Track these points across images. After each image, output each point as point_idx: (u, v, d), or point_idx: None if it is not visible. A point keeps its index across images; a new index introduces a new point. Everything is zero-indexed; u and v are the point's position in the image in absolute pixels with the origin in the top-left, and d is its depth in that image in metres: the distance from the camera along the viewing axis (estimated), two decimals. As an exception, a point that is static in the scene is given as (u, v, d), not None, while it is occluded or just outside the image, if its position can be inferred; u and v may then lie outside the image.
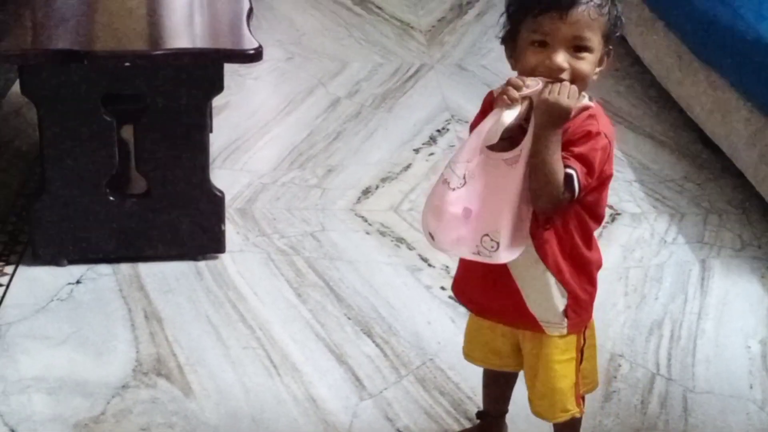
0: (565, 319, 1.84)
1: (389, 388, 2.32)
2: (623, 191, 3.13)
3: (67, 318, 2.50)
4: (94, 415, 2.20)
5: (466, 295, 1.96)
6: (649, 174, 3.25)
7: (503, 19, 1.77)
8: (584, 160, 1.71)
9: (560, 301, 1.83)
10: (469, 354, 2.06)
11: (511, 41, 1.76)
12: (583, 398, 1.94)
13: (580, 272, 1.84)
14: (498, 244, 1.71)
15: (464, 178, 1.71)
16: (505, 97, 1.67)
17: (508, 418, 2.15)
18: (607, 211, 2.97)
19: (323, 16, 4.41)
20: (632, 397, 2.32)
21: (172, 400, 2.25)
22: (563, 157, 1.70)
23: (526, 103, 1.68)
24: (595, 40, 1.70)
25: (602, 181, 1.78)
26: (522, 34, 1.72)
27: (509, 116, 1.68)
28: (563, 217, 1.78)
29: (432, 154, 3.34)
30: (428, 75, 3.91)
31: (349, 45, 4.15)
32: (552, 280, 1.81)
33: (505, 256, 1.73)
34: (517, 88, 1.67)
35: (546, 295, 1.82)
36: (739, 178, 3.09)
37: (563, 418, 1.94)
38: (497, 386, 2.10)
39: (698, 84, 3.28)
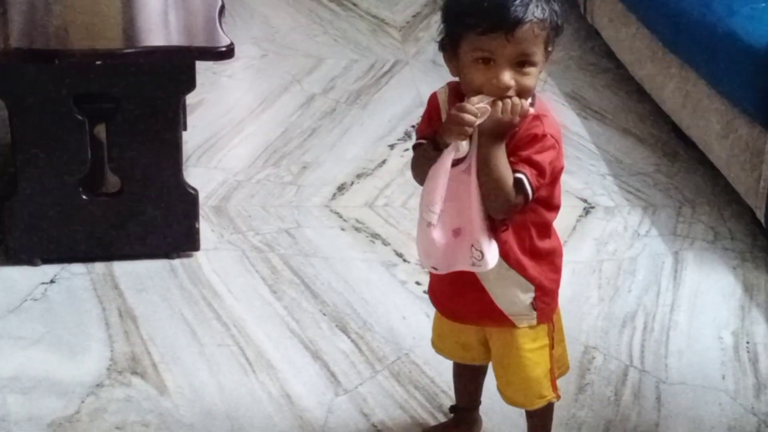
0: (534, 311, 1.88)
1: (364, 384, 2.32)
2: (596, 185, 3.14)
3: (41, 318, 2.49)
4: (68, 415, 2.20)
5: (439, 302, 1.99)
6: (622, 167, 3.26)
7: (441, 25, 1.76)
8: (533, 162, 1.74)
9: (527, 295, 1.86)
10: (438, 347, 2.08)
11: (450, 48, 1.75)
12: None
13: (542, 263, 1.87)
14: (482, 252, 1.76)
15: (440, 211, 1.75)
16: (461, 129, 1.68)
17: (482, 410, 2.16)
18: (581, 205, 3.01)
19: (298, 12, 4.41)
20: (606, 388, 2.33)
21: (146, 398, 2.25)
22: (512, 162, 1.73)
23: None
24: (539, 54, 1.71)
25: (554, 176, 1.81)
26: (464, 48, 1.71)
27: (465, 146, 1.72)
28: (519, 216, 1.81)
29: (407, 149, 3.35)
30: (403, 71, 3.91)
31: (323, 42, 4.15)
32: (516, 277, 1.84)
33: (491, 260, 1.77)
34: (470, 123, 1.68)
35: (512, 291, 1.86)
36: (712, 171, 3.11)
37: (540, 404, 1.97)
38: (467, 379, 2.11)
39: (671, 77, 3.29)
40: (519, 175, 1.72)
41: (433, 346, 2.09)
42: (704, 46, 3.04)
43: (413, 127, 3.49)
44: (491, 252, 1.77)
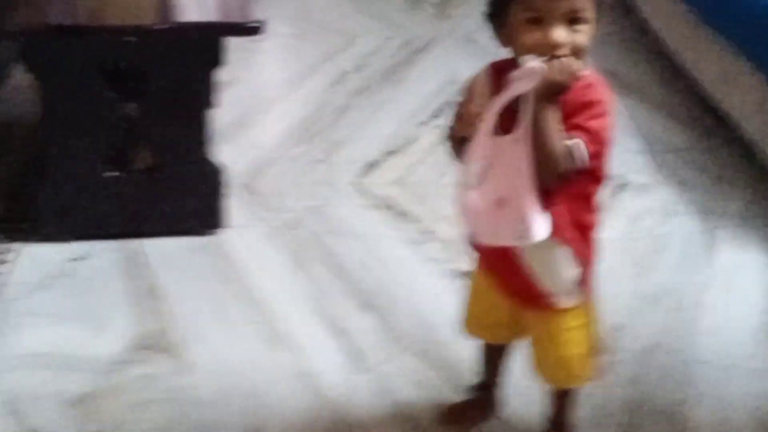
0: (579, 287, 1.85)
1: (390, 362, 2.31)
2: (630, 161, 3.10)
3: (70, 294, 2.51)
4: (92, 390, 2.21)
5: (491, 272, 1.94)
6: (655, 143, 3.22)
7: None
8: (587, 129, 1.70)
9: (571, 271, 1.83)
10: (470, 329, 2.06)
11: (498, 17, 1.72)
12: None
13: (588, 238, 1.84)
14: (530, 223, 1.71)
15: (480, 174, 1.72)
16: (470, 120, 1.70)
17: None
18: (614, 182, 2.97)
19: (332, -10, 4.39)
20: (634, 366, 2.31)
21: (171, 375, 2.26)
22: (566, 128, 1.69)
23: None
24: (589, 8, 1.67)
25: (603, 147, 1.76)
26: (513, 11, 1.68)
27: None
28: (569, 188, 1.76)
29: (438, 126, 3.33)
30: (437, 48, 3.88)
31: (357, 20, 4.12)
32: (560, 252, 1.81)
33: (538, 233, 1.72)
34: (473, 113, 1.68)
35: (560, 268, 1.82)
36: (746, 148, 3.06)
37: (580, 383, 1.96)
38: (494, 359, 2.10)
39: (708, 52, 3.24)
40: (574, 141, 1.68)
41: (464, 328, 2.07)
42: (743, 20, 2.99)
43: (447, 104, 3.46)
44: (538, 225, 1.72)
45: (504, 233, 1.75)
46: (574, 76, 1.66)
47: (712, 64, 3.20)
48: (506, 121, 1.70)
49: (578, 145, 1.68)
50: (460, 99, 1.83)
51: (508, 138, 1.70)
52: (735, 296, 2.56)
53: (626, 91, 3.50)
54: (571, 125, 1.70)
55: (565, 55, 1.66)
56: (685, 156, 3.16)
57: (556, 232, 1.77)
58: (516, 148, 1.70)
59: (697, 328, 2.43)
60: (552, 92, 1.66)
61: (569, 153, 1.68)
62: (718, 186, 3.01)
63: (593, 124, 1.71)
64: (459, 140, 1.78)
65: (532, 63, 1.64)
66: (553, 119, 1.68)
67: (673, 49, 3.52)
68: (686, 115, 3.39)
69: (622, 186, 2.99)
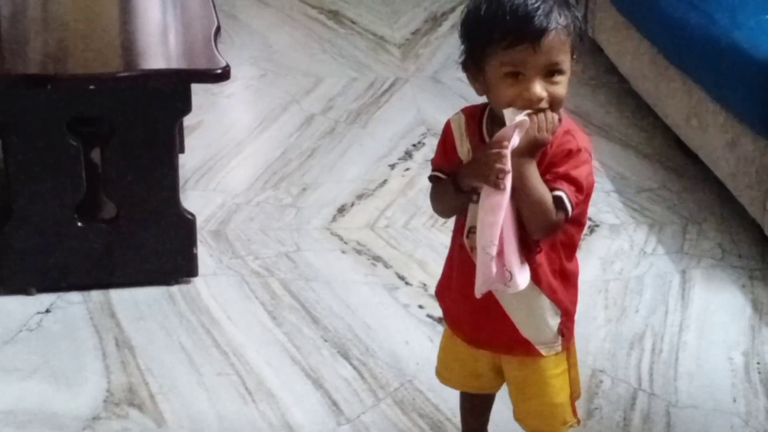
0: (560, 337, 1.82)
1: (367, 412, 2.27)
2: (601, 202, 3.09)
3: (37, 349, 2.45)
4: (64, 449, 2.15)
5: (459, 327, 1.91)
6: (626, 184, 3.21)
7: (463, 46, 1.71)
8: (570, 179, 1.69)
9: (554, 321, 1.81)
10: (445, 377, 2.02)
11: (473, 67, 1.70)
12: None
13: (568, 286, 1.82)
14: (511, 273, 1.69)
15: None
16: (498, 174, 1.63)
17: (488, 439, 2.11)
18: (586, 223, 2.95)
19: (296, 31, 4.37)
20: (614, 413, 2.28)
21: (144, 431, 2.20)
22: (549, 180, 1.69)
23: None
24: (567, 61, 1.67)
25: (588, 192, 1.75)
26: (490, 64, 1.66)
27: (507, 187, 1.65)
28: (551, 238, 1.75)
29: (408, 169, 3.30)
30: (403, 89, 3.87)
31: (323, 60, 4.10)
32: (546, 301, 1.79)
33: (521, 283, 1.71)
34: (502, 157, 1.63)
35: (541, 318, 1.80)
36: (718, 186, 3.06)
37: (563, 430, 1.92)
38: (475, 409, 2.06)
39: (674, 91, 3.24)
40: (558, 192, 1.67)
41: (438, 375, 2.02)
42: (708, 60, 3.00)
43: (414, 146, 3.44)
44: (522, 274, 1.71)
45: (495, 280, 1.72)
46: (554, 131, 1.65)
47: (681, 103, 3.20)
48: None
49: (564, 196, 1.67)
50: (439, 141, 1.80)
51: (492, 190, 1.68)
52: (711, 338, 2.54)
53: (595, 131, 3.50)
54: (555, 175, 1.69)
55: (544, 109, 1.65)
56: (656, 196, 3.15)
57: (538, 281, 1.76)
58: (500, 197, 1.67)
59: (677, 372, 2.41)
60: (536, 148, 1.66)
61: (557, 205, 1.67)
62: (690, 225, 3.00)
63: (577, 173, 1.70)
64: (441, 194, 1.75)
65: (519, 117, 1.63)
66: (535, 172, 1.67)
67: (641, 89, 3.52)
68: (656, 155, 3.39)
69: (594, 227, 2.98)
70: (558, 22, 1.63)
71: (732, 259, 2.85)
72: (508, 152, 1.62)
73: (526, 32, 1.62)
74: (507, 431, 2.12)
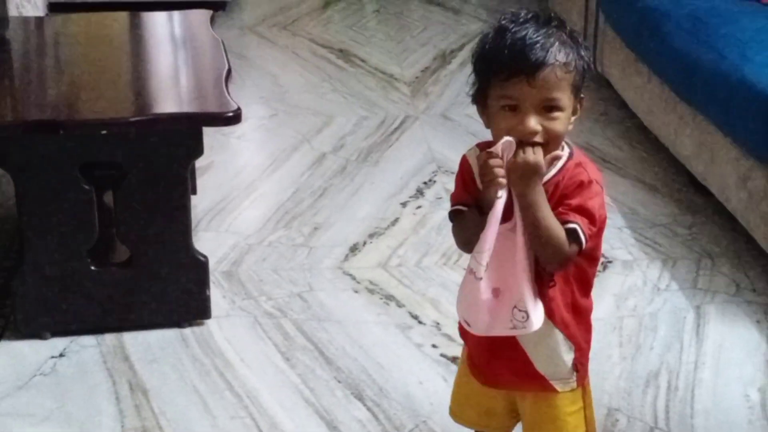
0: (575, 373, 1.82)
1: (382, 454, 2.26)
2: (614, 238, 3.09)
3: (51, 393, 2.44)
4: (78, 495, 2.14)
5: (475, 366, 1.91)
6: (639, 219, 3.21)
7: (472, 78, 1.74)
8: (583, 210, 1.70)
9: (569, 356, 1.81)
10: (458, 415, 2.01)
11: (481, 100, 1.73)
12: None
13: (581, 322, 1.82)
14: (527, 313, 1.70)
15: (486, 265, 1.70)
16: (495, 180, 1.65)
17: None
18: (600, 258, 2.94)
19: (306, 71, 4.39)
20: (631, 452, 2.27)
21: (158, 475, 2.20)
22: (561, 213, 1.69)
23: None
24: (564, 98, 1.68)
25: (601, 224, 1.76)
26: (491, 96, 1.70)
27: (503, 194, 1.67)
28: (566, 271, 1.75)
29: (419, 207, 3.31)
30: (413, 126, 3.88)
31: (333, 99, 4.12)
32: (560, 336, 1.79)
33: (536, 322, 1.72)
34: (498, 165, 1.65)
35: (555, 352, 1.80)
36: (731, 221, 3.05)
37: None
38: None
39: (684, 126, 3.25)
40: (572, 225, 1.67)
41: (452, 414, 2.02)
42: (718, 95, 3.00)
43: (425, 183, 3.45)
44: (537, 313, 1.71)
45: (499, 324, 1.73)
46: (540, 156, 1.65)
47: (691, 138, 3.20)
48: (504, 211, 1.69)
49: (579, 228, 1.67)
50: (458, 176, 1.81)
51: (505, 227, 1.69)
52: (727, 374, 2.52)
53: (606, 167, 3.50)
54: (567, 207, 1.69)
55: (537, 143, 1.66)
56: (669, 231, 3.14)
57: (551, 316, 1.75)
58: (511, 237, 1.69)
59: (693, 409, 2.39)
60: (528, 176, 1.66)
61: (571, 237, 1.67)
62: (704, 261, 2.99)
63: (590, 205, 1.70)
64: (465, 223, 1.76)
65: (505, 138, 1.66)
66: (540, 201, 1.67)
67: (651, 124, 3.52)
68: (668, 190, 3.38)
69: (607, 263, 2.97)
70: (556, 58, 1.65)
71: (746, 294, 2.84)
72: (498, 160, 1.65)
73: (522, 66, 1.64)
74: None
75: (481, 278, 1.71)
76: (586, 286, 1.81)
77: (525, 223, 1.68)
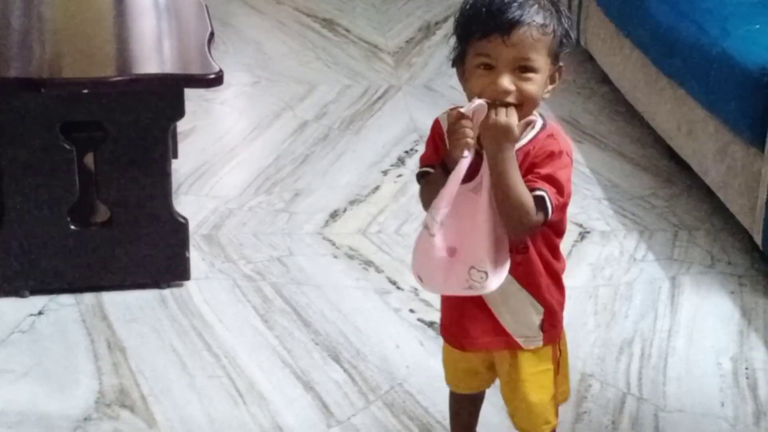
0: (541, 333, 1.84)
1: (357, 414, 2.28)
2: (592, 209, 3.11)
3: (29, 350, 2.45)
4: (55, 450, 2.16)
5: (447, 331, 1.93)
6: (617, 191, 3.23)
7: (453, 41, 1.76)
8: (552, 180, 1.71)
9: (536, 317, 1.83)
10: (453, 383, 2.03)
11: (461, 63, 1.75)
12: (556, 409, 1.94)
13: (553, 285, 1.84)
14: (486, 273, 1.71)
15: (441, 221, 1.71)
16: (463, 140, 1.66)
17: (477, 441, 2.12)
18: (576, 230, 2.98)
19: (290, 39, 4.39)
20: (603, 417, 2.30)
21: (135, 431, 2.21)
22: (530, 180, 1.70)
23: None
24: (540, 60, 1.69)
25: (566, 200, 1.77)
26: (468, 56, 1.71)
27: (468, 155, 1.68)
28: (532, 237, 1.77)
29: (400, 175, 3.32)
30: (396, 96, 3.89)
31: (316, 68, 4.12)
32: (528, 298, 1.81)
33: (494, 283, 1.73)
34: (467, 126, 1.66)
35: (522, 312, 1.82)
36: (708, 194, 3.08)
37: (546, 430, 1.93)
38: (465, 411, 2.07)
39: (665, 100, 3.27)
40: (540, 192, 1.69)
41: (448, 383, 2.03)
42: (698, 69, 3.02)
43: (406, 152, 3.46)
44: (498, 274, 1.72)
45: (454, 282, 1.74)
46: (513, 118, 1.66)
47: (671, 112, 3.22)
48: (468, 172, 1.70)
49: (545, 196, 1.69)
50: (428, 138, 1.82)
51: (467, 187, 1.71)
52: (700, 343, 2.55)
53: (587, 139, 3.52)
54: (536, 176, 1.71)
55: (510, 103, 1.67)
56: (647, 203, 3.17)
57: (520, 279, 1.78)
58: (472, 199, 1.71)
59: (665, 377, 2.43)
60: (500, 138, 1.67)
61: (538, 205, 1.69)
62: (680, 233, 3.02)
63: (558, 174, 1.72)
64: (431, 184, 1.77)
65: (476, 101, 1.67)
66: (511, 166, 1.68)
67: (632, 98, 3.54)
68: (646, 163, 3.41)
69: (584, 234, 2.99)
70: (533, 18, 1.67)
71: (721, 265, 2.87)
72: (468, 122, 1.65)
73: (498, 23, 1.66)
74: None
75: (434, 235, 1.72)
76: (554, 250, 1.83)
77: (494, 185, 1.69)
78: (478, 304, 1.81)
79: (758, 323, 2.63)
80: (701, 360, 2.49)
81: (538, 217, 1.70)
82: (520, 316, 1.82)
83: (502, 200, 1.69)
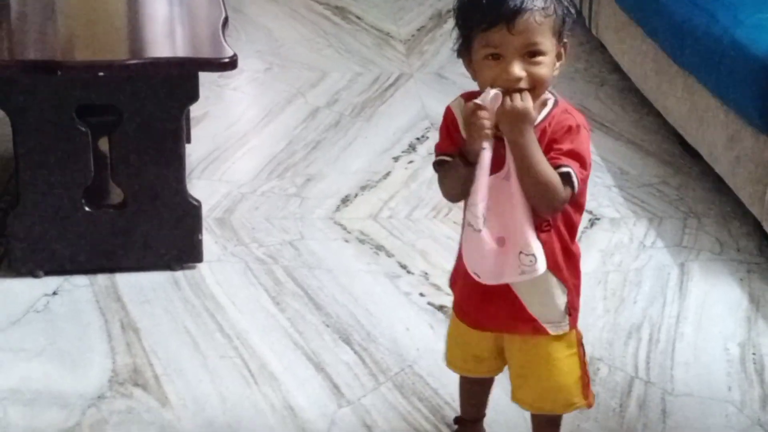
0: (567, 316, 1.86)
1: (367, 395, 2.31)
2: (602, 196, 3.13)
3: (43, 330, 2.48)
4: (69, 427, 2.18)
5: (465, 313, 1.94)
6: (627, 179, 3.25)
7: (455, 33, 1.77)
8: (575, 155, 1.75)
9: (561, 299, 1.85)
10: (451, 361, 2.06)
11: (466, 53, 1.77)
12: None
13: (572, 266, 1.86)
14: (534, 256, 1.75)
15: (483, 216, 1.74)
16: (481, 132, 1.69)
17: (486, 422, 2.14)
18: (587, 216, 2.99)
19: (302, 26, 4.41)
20: (611, 400, 2.31)
21: (148, 410, 2.24)
22: (554, 157, 1.73)
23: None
24: (546, 42, 1.71)
25: (587, 172, 1.80)
26: (474, 47, 1.73)
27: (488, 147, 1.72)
28: (554, 217, 1.80)
29: (411, 162, 3.34)
30: (408, 84, 3.91)
31: (328, 55, 4.14)
32: (553, 279, 1.83)
33: (542, 265, 1.76)
34: (484, 117, 1.68)
35: (548, 296, 1.84)
36: (717, 182, 3.09)
37: (569, 411, 1.97)
38: (475, 393, 2.10)
39: (675, 88, 3.28)
40: (566, 168, 1.72)
41: (447, 362, 2.06)
42: (710, 57, 3.03)
43: (418, 139, 3.48)
44: (542, 256, 1.76)
45: (508, 271, 1.77)
46: (528, 102, 1.69)
47: (682, 100, 3.24)
48: (495, 161, 1.73)
49: (571, 171, 1.72)
50: (442, 127, 1.84)
51: (498, 176, 1.74)
52: (708, 329, 2.57)
53: (597, 127, 3.54)
54: (559, 152, 1.73)
55: (522, 89, 1.69)
56: (657, 191, 3.18)
57: (547, 259, 1.79)
58: (505, 186, 1.74)
59: (673, 361, 2.44)
60: (518, 123, 1.69)
61: (565, 180, 1.71)
62: (690, 220, 3.04)
63: (580, 149, 1.75)
64: (451, 171, 1.79)
65: (491, 91, 1.69)
66: (534, 149, 1.71)
67: (643, 86, 3.56)
68: (657, 150, 3.42)
69: (595, 220, 3.01)
70: (534, 4, 1.69)
71: (730, 252, 2.89)
72: (485, 112, 1.68)
73: (501, 13, 1.68)
74: (505, 414, 2.16)
75: (480, 230, 1.75)
76: (573, 232, 1.86)
77: (519, 169, 1.71)
78: (503, 289, 1.83)
79: (766, 310, 2.65)
80: (709, 345, 2.51)
81: (566, 193, 1.73)
82: (547, 298, 1.84)
83: (530, 182, 1.71)
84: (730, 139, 2.94)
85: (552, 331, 1.86)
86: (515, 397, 1.96)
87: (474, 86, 1.80)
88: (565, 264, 1.84)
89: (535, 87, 1.71)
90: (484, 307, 1.89)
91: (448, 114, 1.84)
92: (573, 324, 1.88)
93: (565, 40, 1.75)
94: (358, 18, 4.50)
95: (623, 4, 3.70)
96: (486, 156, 1.72)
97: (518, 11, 1.68)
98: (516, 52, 1.69)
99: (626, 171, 3.29)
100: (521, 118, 1.69)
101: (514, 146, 1.71)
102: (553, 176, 1.71)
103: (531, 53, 1.70)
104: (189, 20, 2.92)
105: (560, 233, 1.82)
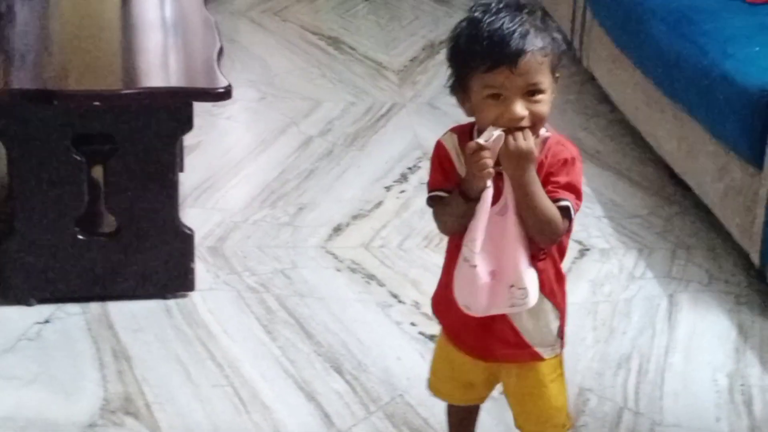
0: (559, 340, 1.90)
1: (358, 425, 2.32)
2: (592, 227, 3.15)
3: (36, 358, 2.49)
4: (61, 455, 2.19)
5: (463, 342, 1.95)
6: (617, 210, 3.27)
7: (449, 71, 1.79)
8: (572, 188, 1.78)
9: (555, 324, 1.88)
10: (437, 388, 2.07)
11: (460, 90, 1.78)
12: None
13: (562, 289, 1.90)
14: (525, 289, 1.78)
15: (480, 252, 1.77)
16: (484, 171, 1.71)
17: (476, 452, 2.16)
18: (576, 247, 3.01)
19: (296, 56, 4.44)
20: (600, 431, 2.33)
21: (139, 438, 2.25)
22: (552, 191, 1.76)
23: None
24: (546, 80, 1.74)
25: (581, 201, 1.83)
26: (473, 88, 1.74)
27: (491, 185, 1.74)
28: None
29: (403, 191, 3.36)
30: (400, 114, 3.93)
31: (321, 84, 4.17)
32: (549, 305, 1.86)
33: (533, 298, 1.80)
34: (486, 157, 1.70)
35: (544, 322, 1.87)
36: (707, 213, 3.12)
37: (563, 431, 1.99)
38: (462, 420, 2.11)
39: (665, 120, 3.31)
40: (565, 202, 1.76)
41: (431, 388, 2.07)
42: (699, 90, 3.06)
43: (410, 169, 3.50)
44: (534, 289, 1.79)
45: (499, 303, 1.80)
46: (531, 141, 1.71)
47: (672, 132, 3.26)
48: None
49: (570, 205, 1.76)
50: (434, 162, 1.86)
51: (492, 211, 1.76)
52: (697, 360, 2.59)
53: (588, 158, 3.56)
54: (556, 185, 1.77)
55: (524, 127, 1.72)
56: (646, 222, 3.21)
57: (542, 287, 1.82)
58: (500, 221, 1.76)
59: (662, 392, 2.46)
60: (522, 162, 1.72)
61: (563, 214, 1.75)
62: (679, 251, 3.06)
63: (575, 181, 1.79)
64: (448, 207, 1.82)
65: (495, 132, 1.70)
66: (536, 187, 1.74)
67: (633, 118, 3.59)
68: (647, 182, 3.45)
69: (585, 251, 3.03)
70: (534, 45, 1.71)
71: (719, 284, 2.91)
72: (488, 152, 1.69)
73: (503, 56, 1.69)
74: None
75: (475, 265, 1.77)
76: (563, 256, 1.89)
77: (521, 206, 1.75)
78: (499, 318, 1.85)
79: (754, 341, 2.67)
80: (698, 376, 2.53)
81: (564, 225, 1.77)
82: (542, 326, 1.87)
83: (533, 218, 1.75)
84: (719, 170, 2.97)
85: (546, 356, 1.89)
86: (518, 424, 1.99)
87: (466, 119, 1.82)
88: (558, 289, 1.87)
89: (535, 124, 1.73)
90: (482, 337, 1.90)
91: (440, 149, 1.85)
92: (563, 346, 1.92)
93: (557, 74, 1.78)
94: (352, 48, 4.53)
95: (613, 35, 3.73)
96: (488, 194, 1.74)
97: (521, 53, 1.69)
98: (518, 91, 1.71)
99: (616, 202, 3.32)
100: (525, 157, 1.72)
101: (517, 185, 1.74)
102: (554, 211, 1.75)
103: (531, 92, 1.72)
104: (184, 50, 2.94)
105: (554, 259, 1.86)
